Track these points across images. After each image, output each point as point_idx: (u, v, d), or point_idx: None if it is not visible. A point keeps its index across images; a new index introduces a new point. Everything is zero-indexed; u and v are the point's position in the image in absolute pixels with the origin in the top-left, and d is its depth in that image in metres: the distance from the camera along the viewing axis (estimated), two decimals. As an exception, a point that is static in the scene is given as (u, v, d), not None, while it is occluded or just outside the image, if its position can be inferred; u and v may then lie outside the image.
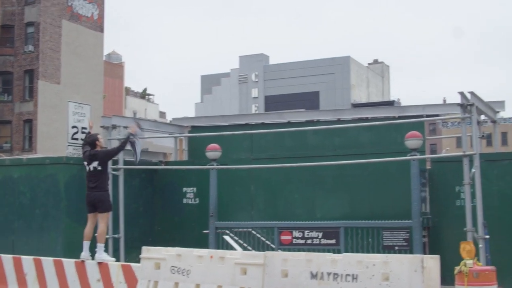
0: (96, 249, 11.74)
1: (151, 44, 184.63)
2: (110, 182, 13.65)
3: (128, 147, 13.35)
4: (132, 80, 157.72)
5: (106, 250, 12.16)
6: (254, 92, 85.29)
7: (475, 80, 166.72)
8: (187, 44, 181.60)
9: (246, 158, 18.08)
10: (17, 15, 52.10)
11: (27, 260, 12.35)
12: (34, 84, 51.13)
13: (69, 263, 11.83)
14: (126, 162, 16.67)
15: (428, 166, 16.51)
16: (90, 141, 12.36)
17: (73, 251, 14.40)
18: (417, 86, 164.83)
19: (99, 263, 11.44)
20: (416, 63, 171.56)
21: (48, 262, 12.08)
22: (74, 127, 18.72)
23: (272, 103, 79.79)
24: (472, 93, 13.45)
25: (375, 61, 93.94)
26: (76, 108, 19.41)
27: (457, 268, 9.40)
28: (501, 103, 17.07)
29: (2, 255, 12.80)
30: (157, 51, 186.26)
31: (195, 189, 18.15)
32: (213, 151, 16.33)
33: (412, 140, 14.40)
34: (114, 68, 75.37)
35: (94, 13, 56.91)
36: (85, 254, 11.77)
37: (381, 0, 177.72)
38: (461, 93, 13.32)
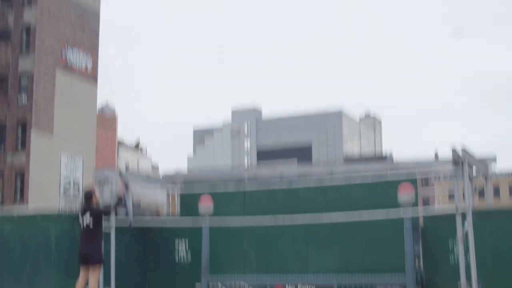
0: None
1: (145, 94, 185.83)
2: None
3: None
4: (125, 129, 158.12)
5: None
6: (247, 145, 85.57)
7: (468, 130, 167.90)
8: (180, 95, 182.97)
9: (238, 212, 18.02)
10: (11, 65, 52.39)
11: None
12: (27, 135, 51.19)
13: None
14: (118, 220, 16.57)
15: (421, 222, 16.48)
16: (86, 196, 12.38)
17: (63, 307, 14.24)
18: (410, 137, 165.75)
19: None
20: (409, 113, 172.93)
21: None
22: (66, 179, 18.63)
23: (265, 156, 80.00)
24: (463, 150, 13.53)
25: (367, 116, 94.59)
26: (69, 160, 19.34)
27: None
28: (493, 158, 17.13)
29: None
30: (151, 102, 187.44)
31: (187, 241, 18.05)
32: (205, 206, 16.30)
33: (404, 195, 14.41)
34: (107, 120, 75.60)
35: (88, 64, 57.33)
36: None
37: (373, 52, 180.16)
38: (453, 151, 13.41)
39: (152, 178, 22.49)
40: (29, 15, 53.22)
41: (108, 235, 16.29)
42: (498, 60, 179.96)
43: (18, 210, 40.12)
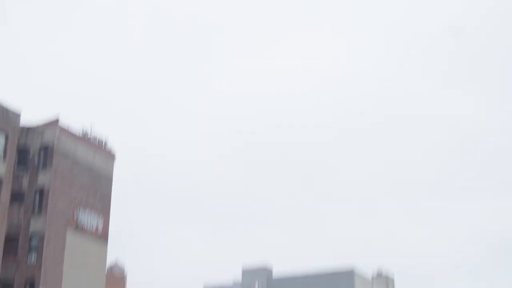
0: None
1: (155, 252, 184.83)
2: None
3: None
4: (135, 286, 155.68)
5: None
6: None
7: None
8: (189, 252, 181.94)
9: None
10: (23, 226, 52.74)
11: None
12: (35, 294, 50.59)
13: None
14: None
15: None
16: None
17: None
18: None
19: None
20: (422, 270, 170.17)
21: None
22: None
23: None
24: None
25: (379, 275, 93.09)
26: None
27: None
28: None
29: None
30: (160, 258, 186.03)
31: None
32: None
33: None
34: (116, 279, 74.83)
35: (99, 225, 57.67)
36: None
37: (383, 206, 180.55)
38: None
39: None
40: (43, 178, 54.21)
41: None
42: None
43: None
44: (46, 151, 55.33)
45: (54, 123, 56.77)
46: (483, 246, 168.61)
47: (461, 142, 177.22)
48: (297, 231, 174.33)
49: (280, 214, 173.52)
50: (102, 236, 58.20)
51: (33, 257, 52.12)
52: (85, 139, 59.92)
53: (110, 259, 71.83)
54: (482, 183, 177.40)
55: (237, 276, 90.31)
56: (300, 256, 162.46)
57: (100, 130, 62.50)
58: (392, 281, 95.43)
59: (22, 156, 55.00)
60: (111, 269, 77.57)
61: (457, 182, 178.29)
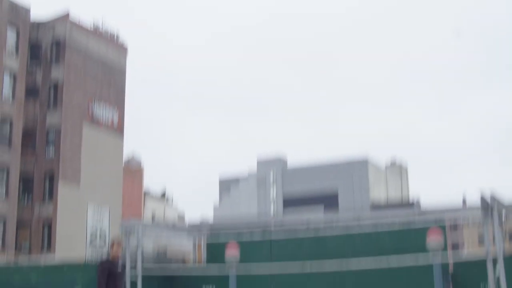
0: None
1: (170, 144, 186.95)
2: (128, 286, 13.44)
3: None
4: (151, 180, 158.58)
5: None
6: (273, 194, 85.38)
7: (497, 172, 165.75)
8: (205, 145, 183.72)
9: (265, 260, 17.89)
10: (39, 120, 53.27)
11: None
12: (54, 187, 51.65)
13: None
14: (144, 269, 16.52)
15: (451, 267, 16.19)
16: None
17: None
18: (438, 183, 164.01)
19: None
20: (436, 159, 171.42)
21: None
22: (93, 230, 18.72)
23: (291, 204, 79.73)
24: (492, 196, 13.35)
25: (393, 164, 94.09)
26: (95, 210, 19.44)
27: None
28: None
29: None
30: (176, 151, 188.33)
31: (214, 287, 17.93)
32: (232, 255, 16.19)
33: (433, 242, 14.18)
34: (133, 172, 76.08)
35: (114, 118, 58.10)
36: None
37: (398, 100, 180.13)
38: (481, 198, 13.25)
39: (178, 227, 22.45)
40: (56, 73, 54.31)
41: (135, 284, 16.25)
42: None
43: (45, 259, 40.26)
44: (58, 46, 55.19)
45: (65, 17, 56.35)
46: (502, 133, 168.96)
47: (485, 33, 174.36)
48: (312, 123, 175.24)
49: (296, 106, 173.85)
50: (118, 129, 58.79)
51: (51, 151, 52.91)
52: (96, 33, 59.57)
53: (127, 152, 72.84)
54: (504, 71, 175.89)
55: (252, 167, 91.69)
56: (315, 148, 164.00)
57: (111, 23, 61.99)
58: (406, 170, 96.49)
59: (35, 52, 54.91)
60: (128, 162, 78.73)
61: (479, 69, 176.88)
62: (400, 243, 16.49)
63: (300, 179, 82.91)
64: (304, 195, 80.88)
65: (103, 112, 57.32)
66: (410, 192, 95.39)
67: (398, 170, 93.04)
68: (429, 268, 14.66)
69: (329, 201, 77.34)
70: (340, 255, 17.05)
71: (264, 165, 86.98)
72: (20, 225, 50.80)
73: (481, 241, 70.34)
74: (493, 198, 13.42)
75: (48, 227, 50.92)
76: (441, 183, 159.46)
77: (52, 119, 53.28)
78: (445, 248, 15.09)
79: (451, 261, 16.47)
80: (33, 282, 17.05)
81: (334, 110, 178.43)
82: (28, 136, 52.96)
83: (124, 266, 12.30)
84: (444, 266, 15.17)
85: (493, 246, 13.82)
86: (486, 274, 13.12)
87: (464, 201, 16.76)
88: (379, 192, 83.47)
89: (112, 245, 12.14)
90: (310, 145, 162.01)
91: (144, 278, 16.67)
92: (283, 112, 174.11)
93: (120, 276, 11.99)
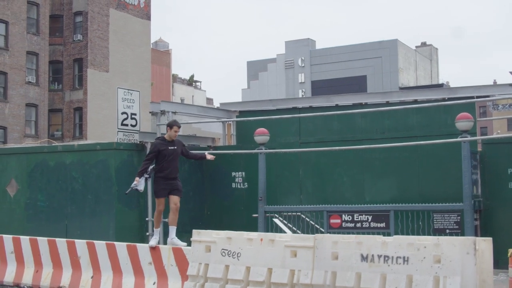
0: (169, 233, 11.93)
1: (198, 29, 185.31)
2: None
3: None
4: (179, 65, 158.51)
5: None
6: (301, 77, 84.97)
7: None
8: (233, 29, 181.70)
9: (294, 142, 18.05)
10: (66, 4, 52.87)
11: (81, 244, 12.53)
12: (83, 73, 51.86)
13: (121, 247, 11.96)
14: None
15: (479, 148, 16.22)
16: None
17: (125, 235, 14.63)
18: (467, 67, 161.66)
19: (151, 247, 11.50)
20: (466, 43, 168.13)
21: (101, 245, 12.25)
22: (123, 113, 18.97)
23: (319, 87, 79.46)
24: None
25: (423, 44, 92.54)
26: (125, 95, 19.67)
27: (510, 251, 9.23)
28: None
29: (56, 239, 13.00)
30: (203, 36, 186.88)
31: (243, 173, 18.20)
32: (261, 135, 16.30)
33: (463, 122, 14.10)
34: (161, 55, 75.95)
35: (141, 0, 57.36)
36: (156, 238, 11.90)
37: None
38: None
39: (208, 108, 22.57)
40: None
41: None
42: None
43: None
44: None
45: None
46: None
47: None
48: (340, 6, 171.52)
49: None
50: (145, 11, 58.15)
51: (78, 36, 52.75)
52: None
53: (154, 37, 72.45)
54: None
55: (280, 50, 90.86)
56: (343, 31, 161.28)
57: None
58: (436, 50, 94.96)
59: None
60: (156, 44, 78.47)
61: None
62: (429, 124, 16.49)
63: (328, 60, 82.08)
64: (332, 78, 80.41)
65: (130, -6, 56.54)
66: (440, 76, 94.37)
67: (428, 51, 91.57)
68: (457, 149, 14.66)
69: (358, 84, 76.87)
70: (369, 134, 17.17)
71: (292, 46, 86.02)
72: (52, 112, 51.51)
73: (510, 127, 69.94)
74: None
75: (79, 113, 51.54)
76: (472, 68, 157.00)
77: (78, 4, 52.79)
78: (473, 130, 15.04)
79: (479, 142, 16.50)
80: (68, 162, 17.50)
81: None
82: (56, 20, 52.74)
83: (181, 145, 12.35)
84: (473, 147, 15.15)
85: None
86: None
87: (494, 82, 16.56)
88: (408, 76, 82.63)
89: (172, 126, 12.07)
90: (340, 30, 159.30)
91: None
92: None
93: (174, 156, 12.03)
